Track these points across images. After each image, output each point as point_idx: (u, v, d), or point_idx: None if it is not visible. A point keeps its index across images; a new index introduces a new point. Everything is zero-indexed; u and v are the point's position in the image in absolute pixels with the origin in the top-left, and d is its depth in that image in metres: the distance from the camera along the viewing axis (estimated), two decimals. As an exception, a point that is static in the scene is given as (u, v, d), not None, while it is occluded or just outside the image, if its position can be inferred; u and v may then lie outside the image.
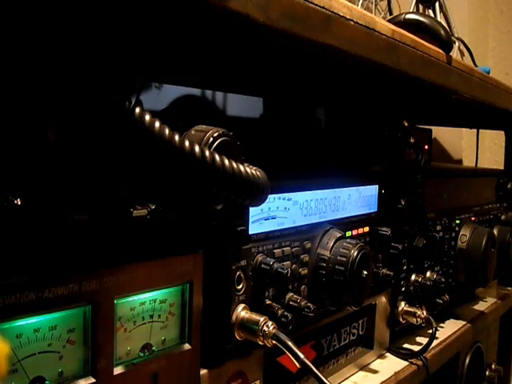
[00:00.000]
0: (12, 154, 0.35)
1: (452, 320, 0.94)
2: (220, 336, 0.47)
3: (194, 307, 0.44)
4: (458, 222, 0.93)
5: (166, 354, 0.42)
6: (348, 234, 0.63)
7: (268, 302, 0.50)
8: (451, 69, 0.70)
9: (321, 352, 0.62)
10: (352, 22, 0.47)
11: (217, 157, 0.35)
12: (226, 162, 0.36)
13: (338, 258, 0.57)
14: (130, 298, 0.39)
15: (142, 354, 0.40)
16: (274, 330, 0.46)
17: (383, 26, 0.53)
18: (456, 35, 1.09)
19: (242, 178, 0.37)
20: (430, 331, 0.75)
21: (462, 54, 1.13)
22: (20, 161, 0.35)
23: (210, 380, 0.46)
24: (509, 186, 1.13)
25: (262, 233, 0.50)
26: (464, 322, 0.93)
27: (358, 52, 0.49)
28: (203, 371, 0.46)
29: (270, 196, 0.45)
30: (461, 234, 0.93)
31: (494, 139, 1.70)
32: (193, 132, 0.40)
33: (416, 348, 0.77)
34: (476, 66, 1.08)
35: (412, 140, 0.75)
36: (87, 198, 0.36)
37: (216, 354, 0.47)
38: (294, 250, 0.54)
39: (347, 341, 0.67)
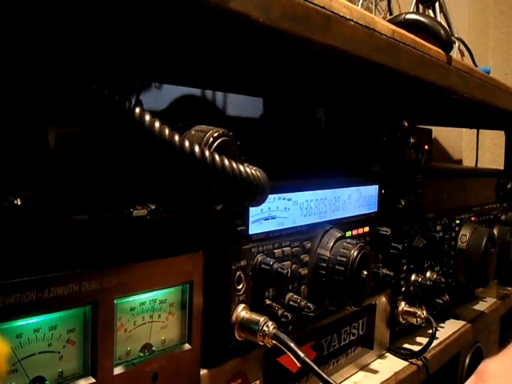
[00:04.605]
0: (13, 154, 0.35)
1: (452, 320, 0.94)
2: (220, 336, 0.47)
3: (194, 307, 0.44)
4: (458, 222, 0.93)
5: (166, 354, 0.42)
6: (348, 234, 0.63)
7: (268, 301, 0.50)
8: (451, 69, 0.69)
9: (321, 352, 0.62)
10: (352, 22, 0.47)
11: (217, 157, 0.35)
12: (226, 162, 0.36)
13: (338, 258, 0.57)
14: (130, 298, 0.39)
15: (142, 354, 0.40)
16: (274, 330, 0.46)
17: (383, 26, 0.53)
18: (456, 35, 1.09)
19: (242, 179, 0.37)
20: (430, 331, 0.75)
21: (462, 54, 1.13)
22: (21, 161, 0.35)
23: (210, 380, 0.46)
24: (509, 185, 1.13)
25: (262, 233, 0.50)
26: (464, 322, 0.93)
27: (358, 52, 0.49)
28: (203, 371, 0.46)
29: (270, 196, 0.45)
30: (461, 234, 0.93)
31: (494, 139, 1.70)
32: (193, 132, 0.40)
33: (416, 348, 0.77)
34: (476, 65, 1.07)
35: (412, 140, 0.75)
36: (87, 198, 0.36)
37: (216, 353, 0.47)
38: (294, 249, 0.54)
39: (347, 341, 0.67)
